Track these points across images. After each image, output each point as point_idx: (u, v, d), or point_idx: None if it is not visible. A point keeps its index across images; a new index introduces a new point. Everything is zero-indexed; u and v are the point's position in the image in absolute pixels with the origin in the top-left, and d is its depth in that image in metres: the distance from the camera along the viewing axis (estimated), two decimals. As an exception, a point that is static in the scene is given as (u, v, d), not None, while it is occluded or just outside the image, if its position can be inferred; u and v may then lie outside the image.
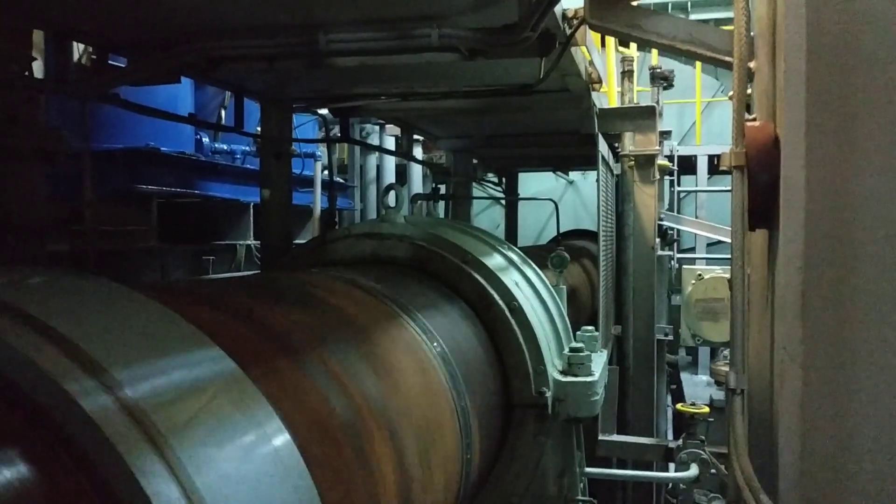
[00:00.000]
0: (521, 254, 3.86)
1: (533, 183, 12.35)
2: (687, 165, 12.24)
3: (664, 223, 8.15)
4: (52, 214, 3.55)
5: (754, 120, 2.40)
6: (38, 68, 3.82)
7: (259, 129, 5.10)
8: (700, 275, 8.59)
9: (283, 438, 1.44)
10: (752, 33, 2.50)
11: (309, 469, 1.46)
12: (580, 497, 3.58)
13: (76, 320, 1.29)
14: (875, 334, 2.01)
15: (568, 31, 3.44)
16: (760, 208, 2.32)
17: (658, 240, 7.21)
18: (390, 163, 11.81)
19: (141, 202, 5.97)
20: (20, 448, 1.10)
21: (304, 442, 1.56)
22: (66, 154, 3.41)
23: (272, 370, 1.76)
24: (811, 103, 2.02)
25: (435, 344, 2.65)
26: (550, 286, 3.78)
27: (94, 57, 3.68)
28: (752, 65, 2.48)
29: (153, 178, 6.09)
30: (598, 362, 3.52)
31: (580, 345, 3.47)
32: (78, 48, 3.87)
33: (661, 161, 7.24)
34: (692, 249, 12.67)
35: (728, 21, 2.47)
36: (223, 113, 7.88)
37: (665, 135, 8.83)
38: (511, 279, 3.38)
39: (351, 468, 1.80)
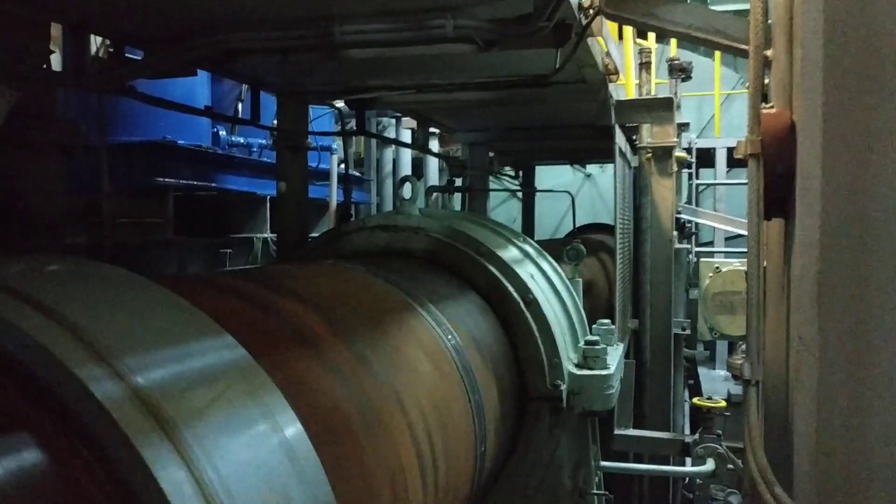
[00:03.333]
0: (537, 246, 3.84)
1: (550, 176, 12.31)
2: (705, 158, 12.16)
3: (682, 216, 8.10)
4: (70, 207, 3.58)
5: (771, 108, 2.38)
6: (55, 61, 3.85)
7: (275, 122, 5.11)
8: (718, 268, 8.53)
9: (295, 428, 1.44)
10: (769, 21, 2.47)
11: (320, 459, 1.46)
12: (595, 491, 3.57)
13: (89, 308, 1.29)
14: (892, 324, 1.99)
15: (584, 22, 3.41)
16: (776, 197, 2.30)
17: (676, 233, 7.16)
18: (406, 156, 11.79)
19: (158, 195, 6.00)
20: (34, 434, 1.11)
21: (316, 432, 1.56)
22: (84, 147, 3.43)
23: (284, 360, 1.77)
24: (828, 90, 1.99)
25: (449, 336, 2.64)
26: (566, 279, 3.76)
27: (111, 50, 3.70)
28: (768, 53, 2.46)
29: (170, 171, 6.11)
30: (614, 355, 3.51)
31: (596, 338, 3.45)
32: (95, 41, 3.88)
33: (678, 153, 7.19)
34: (710, 243, 12.58)
35: (748, 12, 2.44)
36: (240, 106, 7.91)
37: (683, 127, 8.76)
38: (526, 272, 3.36)
39: (362, 459, 1.80)
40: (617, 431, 5.63)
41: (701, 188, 13.03)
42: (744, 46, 2.66)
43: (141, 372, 1.22)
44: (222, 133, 7.83)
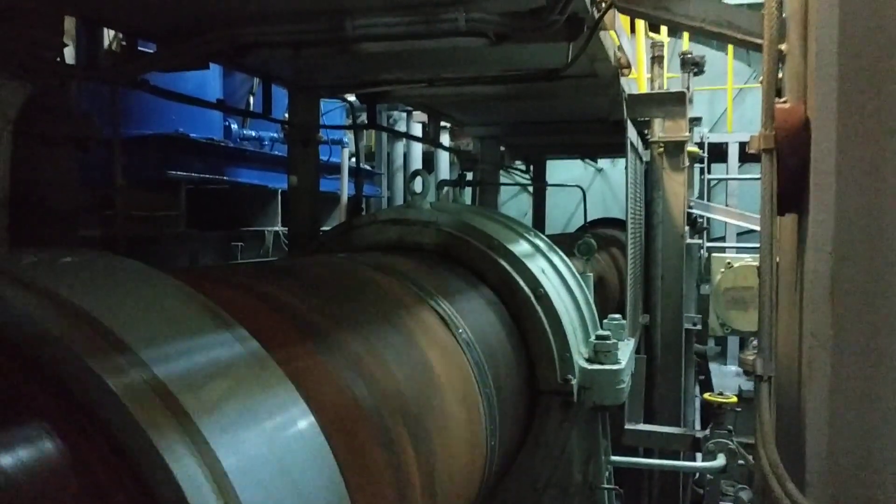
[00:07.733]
0: (548, 241, 3.83)
1: (561, 170, 12.28)
2: (717, 153, 12.09)
3: (694, 211, 8.07)
4: (84, 200, 3.60)
5: (785, 103, 2.36)
6: (69, 55, 3.86)
7: (287, 115, 5.12)
8: (729, 263, 8.47)
9: (307, 421, 1.45)
10: (783, 15, 2.45)
11: (332, 451, 1.46)
12: (605, 485, 3.57)
13: (105, 300, 1.30)
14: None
15: (596, 15, 3.40)
16: (790, 192, 2.29)
17: (687, 228, 7.14)
18: (417, 150, 11.80)
19: (170, 188, 6.03)
20: (50, 424, 1.11)
21: (328, 425, 1.57)
22: (97, 140, 3.45)
23: (297, 353, 1.77)
24: (843, 84, 1.98)
25: (460, 330, 2.64)
26: (577, 274, 3.75)
27: (124, 43, 3.72)
28: (783, 47, 2.44)
29: (182, 165, 6.13)
30: (625, 350, 3.50)
31: (607, 333, 3.44)
32: (108, 35, 3.90)
33: (690, 148, 7.16)
34: (722, 238, 12.53)
35: (762, 6, 2.42)
36: (251, 99, 7.92)
37: (695, 121, 8.71)
38: (537, 266, 3.36)
39: (373, 452, 1.80)
40: (627, 426, 5.63)
41: (713, 183, 12.96)
42: (758, 40, 2.65)
43: (156, 364, 1.23)
44: (234, 126, 7.85)
